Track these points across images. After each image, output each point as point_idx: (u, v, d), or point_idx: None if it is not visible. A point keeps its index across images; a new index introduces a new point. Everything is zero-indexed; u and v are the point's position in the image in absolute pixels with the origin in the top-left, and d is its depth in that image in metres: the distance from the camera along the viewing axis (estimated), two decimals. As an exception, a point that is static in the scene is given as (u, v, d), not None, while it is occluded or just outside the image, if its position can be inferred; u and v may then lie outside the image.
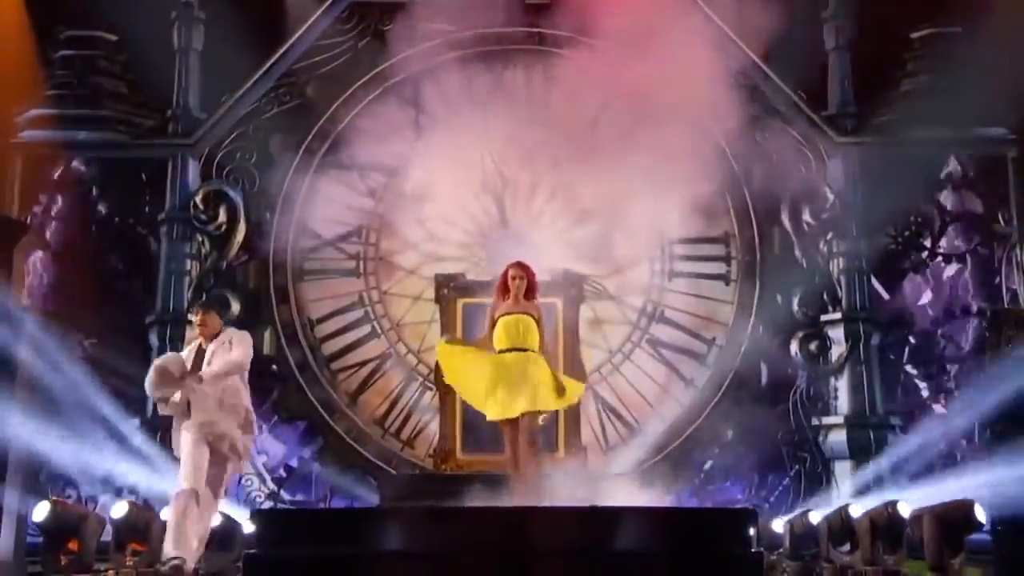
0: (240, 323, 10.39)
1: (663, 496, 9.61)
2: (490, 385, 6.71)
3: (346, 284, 10.79)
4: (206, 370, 6.36)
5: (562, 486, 7.68)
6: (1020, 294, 10.34)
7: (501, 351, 6.79)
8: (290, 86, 10.85)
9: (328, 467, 10.18)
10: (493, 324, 6.92)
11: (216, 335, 6.58)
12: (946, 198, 10.75)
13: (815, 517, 8.81)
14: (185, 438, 6.40)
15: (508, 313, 6.86)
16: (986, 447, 9.55)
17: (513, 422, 6.69)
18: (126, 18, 10.48)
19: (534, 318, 6.86)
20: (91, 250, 10.42)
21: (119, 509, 7.52)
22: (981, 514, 6.98)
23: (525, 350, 6.78)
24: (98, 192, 10.54)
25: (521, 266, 7.04)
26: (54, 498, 7.37)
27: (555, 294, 9.29)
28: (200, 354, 6.54)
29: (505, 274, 7.01)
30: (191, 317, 6.65)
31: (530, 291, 6.98)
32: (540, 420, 6.85)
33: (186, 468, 6.32)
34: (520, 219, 10.72)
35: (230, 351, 6.45)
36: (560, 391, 6.80)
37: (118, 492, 9.83)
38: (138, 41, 10.61)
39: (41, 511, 6.93)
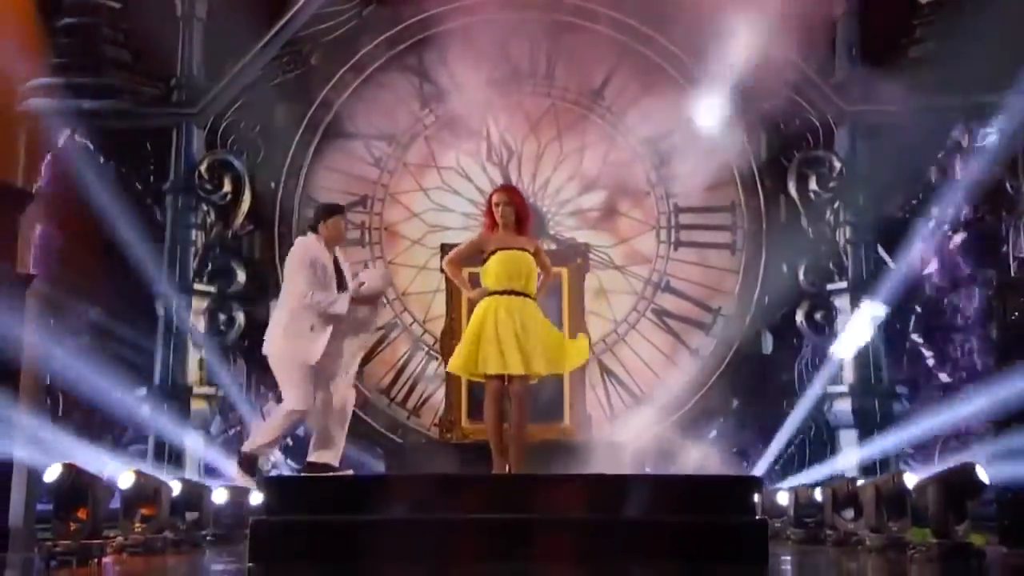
0: (245, 293, 10.47)
1: (668, 465, 9.66)
2: (486, 339, 5.90)
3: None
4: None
5: (567, 455, 7.72)
6: (1027, 263, 10.30)
7: (498, 292, 5.99)
8: (294, 54, 10.79)
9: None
10: (484, 260, 6.07)
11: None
12: (954, 166, 10.68)
13: (819, 485, 8.85)
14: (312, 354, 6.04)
15: (505, 248, 6.00)
16: (990, 415, 9.55)
17: (500, 383, 6.00)
18: (129, -15, 10.44)
19: (530, 253, 6.06)
20: (96, 220, 10.40)
21: (126, 479, 7.56)
22: (983, 475, 6.98)
23: (523, 294, 5.98)
24: (102, 161, 10.51)
25: (507, 189, 6.29)
26: (67, 462, 7.38)
27: (560, 263, 9.28)
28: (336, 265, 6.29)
29: (490, 201, 6.16)
30: (344, 222, 6.41)
31: (521, 221, 6.12)
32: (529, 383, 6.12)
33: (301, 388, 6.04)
34: (525, 189, 10.70)
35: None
36: (557, 359, 6.06)
37: (125, 461, 9.91)
38: (142, 9, 10.55)
39: (53, 472, 6.96)
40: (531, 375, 6.12)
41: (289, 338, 6.08)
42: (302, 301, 6.05)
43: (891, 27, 10.70)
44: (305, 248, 6.22)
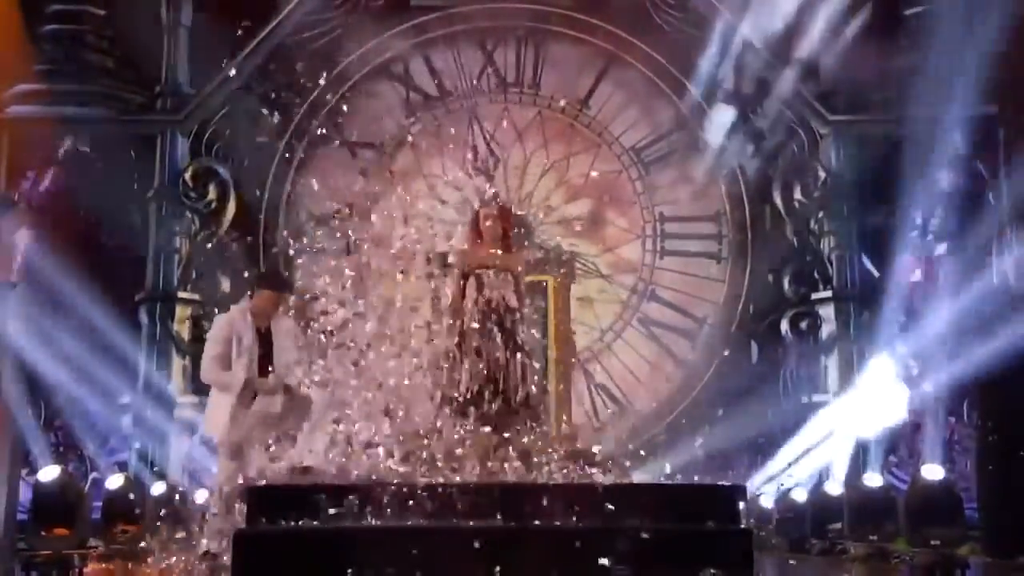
0: (230, 301, 10.40)
1: (653, 473, 9.64)
2: None
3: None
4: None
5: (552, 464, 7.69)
6: (1009, 272, 10.34)
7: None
8: (280, 62, 10.76)
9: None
10: (464, 276, 5.86)
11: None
12: (938, 177, 10.72)
13: (804, 494, 8.87)
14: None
15: (486, 266, 5.79)
16: (973, 425, 9.59)
17: None
18: (114, -8, 10.41)
19: (514, 275, 5.83)
20: (80, 227, 10.34)
21: (115, 480, 7.52)
22: (962, 492, 7.02)
23: None
24: (86, 168, 10.46)
25: (496, 206, 6.04)
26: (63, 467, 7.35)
27: (546, 272, 9.28)
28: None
29: (477, 215, 6.00)
30: (276, 299, 6.12)
31: (507, 236, 5.93)
32: None
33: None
34: (512, 197, 10.69)
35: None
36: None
37: (107, 470, 9.84)
38: (126, 16, 10.52)
39: (50, 473, 6.91)
40: None
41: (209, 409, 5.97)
42: (201, 375, 5.95)
43: (876, 38, 10.75)
44: (220, 324, 6.01)
